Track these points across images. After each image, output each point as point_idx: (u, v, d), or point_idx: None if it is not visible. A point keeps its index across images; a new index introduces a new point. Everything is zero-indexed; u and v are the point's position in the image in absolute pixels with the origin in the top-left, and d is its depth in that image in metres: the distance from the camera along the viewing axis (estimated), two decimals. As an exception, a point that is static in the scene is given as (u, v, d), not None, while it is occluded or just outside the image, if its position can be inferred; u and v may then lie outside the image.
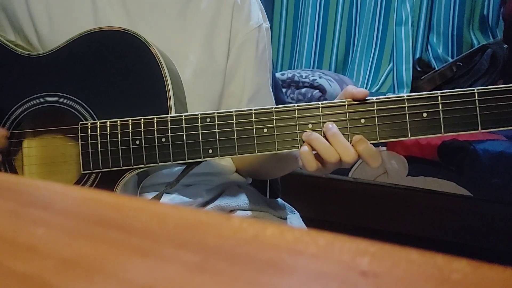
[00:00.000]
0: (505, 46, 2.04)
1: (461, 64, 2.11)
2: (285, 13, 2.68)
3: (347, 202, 1.77)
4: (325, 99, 2.00)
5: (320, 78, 2.03)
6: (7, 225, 0.28)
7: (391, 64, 2.39)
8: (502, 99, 0.60)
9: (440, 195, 1.59)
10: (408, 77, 2.31)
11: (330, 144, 0.61)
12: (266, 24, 0.85)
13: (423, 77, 2.26)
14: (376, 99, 0.62)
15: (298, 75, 2.05)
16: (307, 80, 2.02)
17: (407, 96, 0.62)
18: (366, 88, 2.47)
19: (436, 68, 2.27)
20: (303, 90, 2.02)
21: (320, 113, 0.63)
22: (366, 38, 2.47)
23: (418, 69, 2.35)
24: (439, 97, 0.61)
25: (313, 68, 2.57)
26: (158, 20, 0.77)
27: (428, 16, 2.34)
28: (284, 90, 2.02)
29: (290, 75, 2.07)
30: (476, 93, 0.60)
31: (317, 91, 2.00)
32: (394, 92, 2.34)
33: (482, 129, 0.60)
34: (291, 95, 2.05)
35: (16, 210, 0.30)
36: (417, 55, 2.35)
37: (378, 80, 2.45)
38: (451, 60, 2.25)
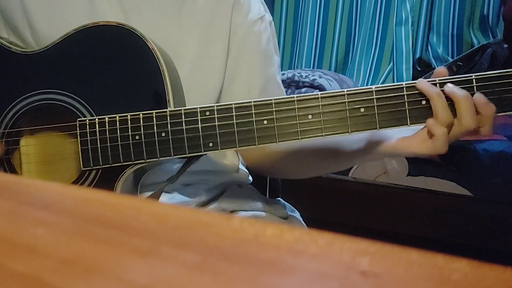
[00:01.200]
0: (505, 45, 2.04)
1: (461, 64, 2.11)
2: (285, 13, 2.67)
3: (347, 202, 1.77)
4: (325, 99, 2.00)
5: (320, 78, 2.04)
6: (7, 225, 0.28)
7: (391, 64, 2.39)
8: (500, 84, 0.60)
9: (440, 195, 1.59)
10: (408, 77, 2.31)
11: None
12: (269, 17, 0.84)
13: (423, 77, 2.26)
14: (375, 87, 0.62)
15: (298, 75, 2.05)
16: (307, 80, 2.02)
17: (405, 84, 0.62)
18: (366, 88, 2.47)
19: (436, 68, 2.27)
20: (303, 90, 2.02)
21: (320, 103, 0.62)
22: (366, 38, 2.47)
23: (418, 69, 2.35)
24: (437, 84, 0.61)
25: (313, 68, 2.57)
26: (155, 16, 0.76)
27: (428, 16, 2.34)
28: (284, 90, 2.02)
29: (290, 75, 2.07)
30: (474, 79, 0.60)
31: (317, 90, 2.00)
32: (394, 92, 2.34)
33: None
34: (291, 95, 2.05)
35: (16, 210, 0.30)
36: (417, 55, 2.35)
37: (378, 80, 2.45)
38: (451, 60, 2.25)
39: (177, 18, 0.77)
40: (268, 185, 1.00)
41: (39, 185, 0.36)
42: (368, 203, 1.74)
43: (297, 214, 0.89)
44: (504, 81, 0.60)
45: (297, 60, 2.63)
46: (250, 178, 0.90)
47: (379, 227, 1.66)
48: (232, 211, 0.81)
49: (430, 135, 0.62)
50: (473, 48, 2.15)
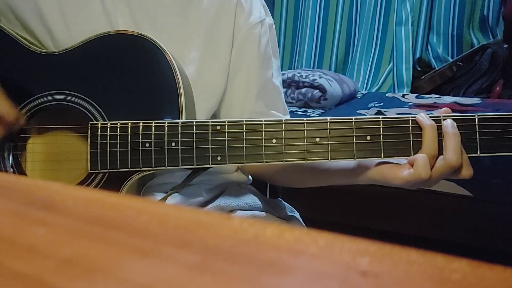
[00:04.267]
0: (505, 46, 2.04)
1: (461, 64, 2.12)
2: (285, 13, 2.68)
3: (347, 202, 1.77)
4: (325, 99, 2.01)
5: (320, 78, 2.04)
6: (8, 225, 0.28)
7: (391, 64, 2.39)
8: (501, 126, 0.63)
9: (440, 195, 1.59)
10: (408, 77, 2.31)
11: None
12: (270, 20, 0.85)
13: (423, 77, 2.27)
14: (382, 118, 0.64)
15: (298, 75, 2.05)
16: (307, 80, 2.02)
17: (411, 117, 0.64)
18: (366, 88, 2.48)
19: (436, 68, 2.28)
20: (303, 90, 2.02)
21: (328, 127, 0.64)
22: (366, 38, 2.47)
23: (418, 69, 2.35)
24: (442, 119, 0.63)
25: (313, 68, 2.58)
26: (161, 18, 0.77)
27: (428, 16, 2.34)
28: (284, 90, 2.03)
29: (290, 75, 2.07)
30: (476, 119, 0.63)
31: (317, 91, 2.00)
32: (394, 92, 2.34)
33: (481, 153, 0.64)
34: (291, 95, 2.05)
35: (17, 210, 0.30)
36: (417, 55, 2.35)
37: (378, 80, 2.45)
38: (451, 60, 2.26)
39: (183, 18, 0.78)
40: (268, 185, 1.00)
41: (40, 185, 0.36)
42: (368, 203, 1.74)
43: (297, 215, 0.89)
44: (505, 123, 0.63)
45: (297, 60, 2.63)
46: (251, 178, 0.90)
47: (379, 227, 1.66)
48: (231, 210, 0.81)
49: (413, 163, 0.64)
50: (473, 48, 2.16)
